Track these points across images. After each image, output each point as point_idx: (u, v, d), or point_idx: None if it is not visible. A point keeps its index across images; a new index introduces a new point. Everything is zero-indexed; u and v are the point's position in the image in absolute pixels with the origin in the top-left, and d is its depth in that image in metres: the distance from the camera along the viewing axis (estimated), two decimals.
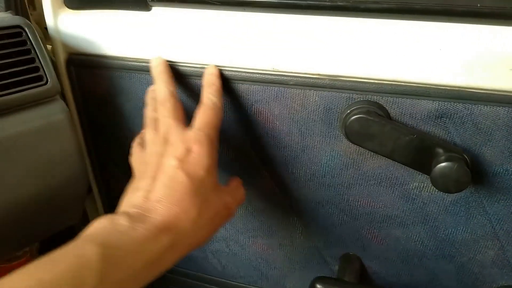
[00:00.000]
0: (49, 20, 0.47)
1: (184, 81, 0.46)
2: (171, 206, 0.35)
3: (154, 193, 0.35)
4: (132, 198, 0.36)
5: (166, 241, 0.33)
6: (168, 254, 0.34)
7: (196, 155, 0.37)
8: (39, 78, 0.42)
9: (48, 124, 0.43)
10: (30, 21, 0.45)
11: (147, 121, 0.43)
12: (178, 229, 0.34)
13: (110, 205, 0.62)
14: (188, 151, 0.37)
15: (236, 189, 0.42)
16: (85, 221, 0.61)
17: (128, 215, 0.34)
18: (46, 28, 0.49)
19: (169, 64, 0.45)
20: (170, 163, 0.36)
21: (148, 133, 0.41)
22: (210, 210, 0.37)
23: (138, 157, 0.43)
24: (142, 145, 0.44)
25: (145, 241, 0.32)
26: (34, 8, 0.55)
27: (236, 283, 0.61)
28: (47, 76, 0.42)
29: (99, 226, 0.33)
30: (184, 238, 0.35)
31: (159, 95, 0.41)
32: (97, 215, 0.64)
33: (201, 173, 0.37)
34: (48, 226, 0.49)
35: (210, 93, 0.41)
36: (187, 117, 0.48)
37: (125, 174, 0.57)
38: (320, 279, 0.48)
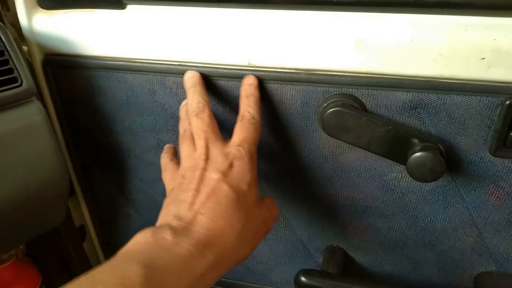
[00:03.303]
0: (23, 21, 0.47)
1: (161, 78, 0.46)
2: (215, 218, 0.34)
3: (198, 205, 0.34)
4: (174, 210, 0.35)
5: (211, 257, 0.32)
6: (213, 271, 0.32)
7: (238, 169, 0.36)
8: (14, 80, 0.42)
9: (24, 125, 0.42)
10: (4, 23, 0.44)
11: (181, 135, 0.42)
12: (223, 244, 0.33)
13: (94, 206, 0.62)
14: (230, 166, 0.37)
15: (271, 205, 0.41)
16: (69, 222, 0.61)
17: (171, 228, 0.32)
18: (21, 29, 0.48)
19: (150, 62, 0.45)
20: (213, 176, 0.36)
21: (184, 148, 0.40)
22: (253, 225, 0.37)
23: (172, 172, 0.42)
24: (174, 160, 0.44)
25: (190, 258, 0.31)
26: (8, 9, 0.54)
27: (223, 279, 0.62)
28: (22, 77, 0.42)
29: (142, 240, 0.32)
30: (229, 253, 0.34)
31: (193, 106, 0.40)
32: (81, 216, 0.64)
33: (244, 187, 0.36)
34: (30, 228, 0.48)
35: (248, 105, 0.40)
36: (161, 116, 0.48)
37: (107, 173, 0.57)
38: (304, 272, 0.49)
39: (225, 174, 0.36)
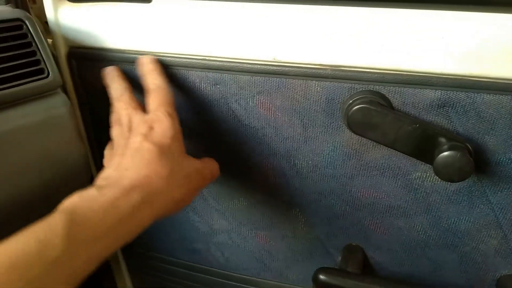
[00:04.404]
0: (50, 14, 0.47)
1: (184, 73, 0.46)
2: (139, 170, 0.36)
3: (124, 164, 0.37)
4: (102, 174, 0.37)
5: (137, 196, 0.34)
6: (142, 209, 0.34)
7: (159, 129, 0.39)
8: (40, 71, 0.42)
9: (49, 117, 0.43)
10: (31, 14, 0.45)
11: (112, 123, 0.44)
12: (150, 186, 0.35)
13: None
14: (150, 128, 0.39)
15: (208, 160, 0.44)
16: None
17: (98, 186, 0.35)
18: (46, 22, 0.49)
19: (173, 56, 0.45)
20: (136, 139, 0.39)
21: (114, 132, 0.43)
22: (182, 171, 0.39)
23: (108, 155, 0.45)
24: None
25: (114, 200, 0.33)
26: (34, 2, 0.54)
27: (239, 275, 0.62)
28: (48, 69, 0.42)
29: (68, 201, 0.34)
30: (157, 194, 0.36)
31: (114, 93, 0.44)
32: None
33: (167, 141, 0.39)
34: None
35: (152, 78, 0.43)
36: (184, 110, 0.49)
37: None
38: (323, 270, 0.48)
39: (146, 135, 0.38)
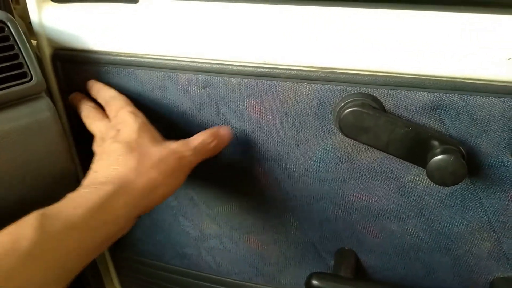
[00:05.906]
0: (33, 14, 0.46)
1: (173, 75, 0.45)
2: (108, 168, 0.38)
3: (95, 168, 0.39)
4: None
5: (108, 188, 0.35)
6: (114, 199, 0.35)
7: (124, 129, 0.41)
8: (23, 75, 0.41)
9: (33, 122, 0.41)
10: (14, 16, 0.43)
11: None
12: (119, 178, 0.37)
13: None
14: (117, 131, 0.41)
15: (193, 139, 0.43)
16: None
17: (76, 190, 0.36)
18: (30, 23, 0.47)
19: (161, 59, 0.44)
20: (107, 144, 0.41)
21: (93, 145, 0.45)
22: (151, 158, 0.39)
23: None
24: None
25: (85, 194, 0.35)
26: (18, 2, 0.53)
27: (231, 280, 0.61)
28: (32, 72, 0.41)
29: None
30: (128, 183, 0.37)
31: (81, 113, 0.47)
32: None
33: (133, 136, 0.40)
34: None
35: (105, 92, 0.46)
36: (172, 113, 0.47)
37: None
38: (316, 275, 0.48)
39: (114, 137, 0.41)
